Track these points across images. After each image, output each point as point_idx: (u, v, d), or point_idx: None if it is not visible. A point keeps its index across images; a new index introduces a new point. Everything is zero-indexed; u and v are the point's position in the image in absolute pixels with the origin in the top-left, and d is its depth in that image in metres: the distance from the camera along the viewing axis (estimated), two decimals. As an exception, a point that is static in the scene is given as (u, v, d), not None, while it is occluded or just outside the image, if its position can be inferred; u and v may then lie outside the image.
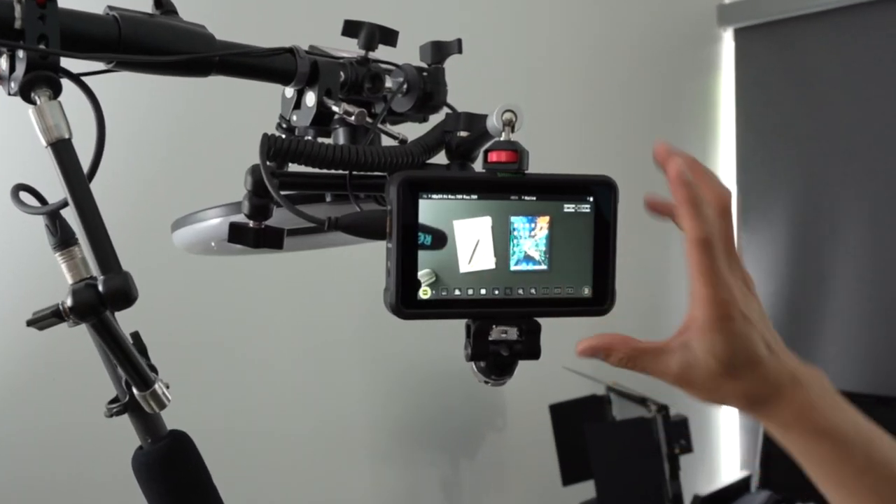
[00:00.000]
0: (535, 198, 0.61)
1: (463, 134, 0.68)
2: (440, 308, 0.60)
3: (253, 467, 1.75)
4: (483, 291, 0.61)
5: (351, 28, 0.75)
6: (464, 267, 0.60)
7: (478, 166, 0.65)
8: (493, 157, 0.61)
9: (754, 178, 2.92)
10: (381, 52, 0.77)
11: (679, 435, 2.08)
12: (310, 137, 0.75)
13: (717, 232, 0.57)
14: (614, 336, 0.61)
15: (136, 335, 0.67)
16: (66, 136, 0.58)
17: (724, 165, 2.98)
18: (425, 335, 1.99)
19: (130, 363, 0.62)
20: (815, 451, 0.59)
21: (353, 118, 0.70)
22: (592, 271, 0.63)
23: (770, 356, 0.58)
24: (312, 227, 0.65)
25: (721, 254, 0.58)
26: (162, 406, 0.64)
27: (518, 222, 0.61)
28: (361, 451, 1.99)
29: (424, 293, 0.60)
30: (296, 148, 0.63)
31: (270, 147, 0.62)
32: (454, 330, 0.65)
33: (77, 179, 0.57)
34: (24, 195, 0.67)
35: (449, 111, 0.75)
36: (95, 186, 0.59)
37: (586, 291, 0.63)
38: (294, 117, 0.76)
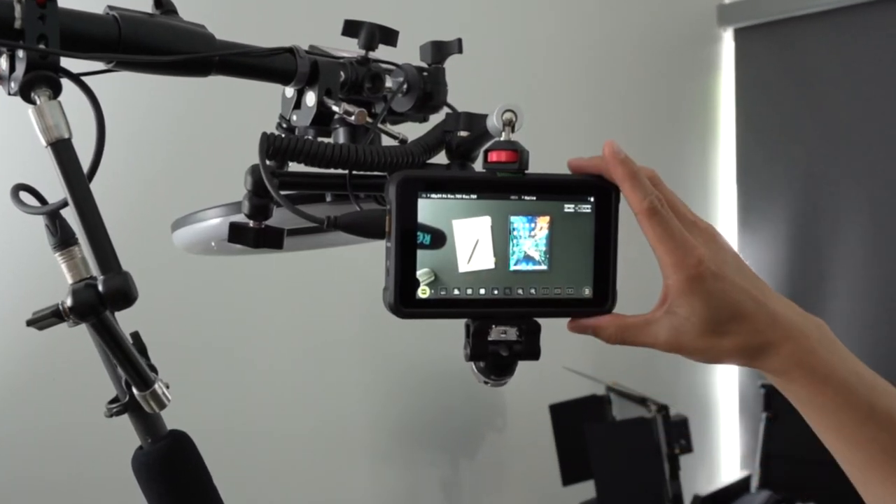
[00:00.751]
0: (535, 198, 0.61)
1: (463, 134, 0.68)
2: (439, 307, 0.60)
3: (253, 467, 1.75)
4: (482, 291, 0.61)
5: (351, 28, 0.75)
6: (463, 266, 0.60)
7: (478, 166, 0.65)
8: (492, 156, 0.61)
9: (754, 178, 2.92)
10: (382, 52, 0.77)
11: (679, 435, 2.09)
12: (310, 137, 0.75)
13: (659, 198, 0.59)
14: (599, 319, 0.62)
15: (136, 335, 0.67)
16: (66, 136, 0.58)
17: (724, 165, 2.98)
18: (425, 335, 1.99)
19: (130, 363, 0.62)
20: (817, 399, 0.58)
21: (353, 118, 0.70)
22: (593, 272, 0.63)
23: (757, 307, 0.58)
24: (312, 226, 0.65)
25: (671, 218, 0.58)
26: (162, 406, 0.64)
27: (518, 222, 0.61)
28: (361, 451, 1.99)
29: (423, 292, 0.60)
30: (295, 146, 0.63)
31: (269, 146, 0.62)
32: (454, 330, 0.65)
33: (77, 179, 0.57)
34: (24, 195, 0.67)
35: (449, 111, 0.75)
36: (95, 186, 0.59)
37: (587, 292, 0.63)
38: (294, 117, 0.76)
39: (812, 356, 0.58)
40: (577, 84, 2.48)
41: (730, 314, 0.58)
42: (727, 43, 2.97)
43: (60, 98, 0.59)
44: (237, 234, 0.66)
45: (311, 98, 0.73)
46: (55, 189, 0.60)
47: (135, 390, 0.63)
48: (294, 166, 0.68)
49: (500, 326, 0.61)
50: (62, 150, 0.57)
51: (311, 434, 1.86)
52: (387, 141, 0.74)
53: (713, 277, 0.57)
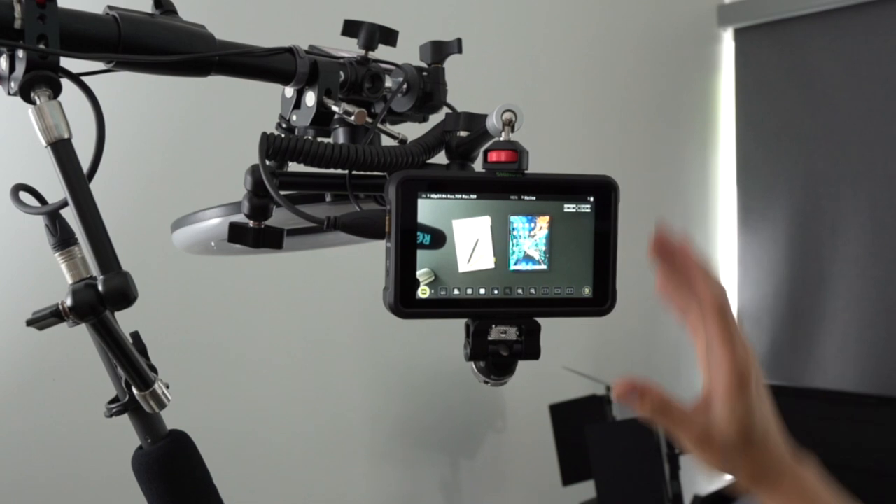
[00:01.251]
0: (534, 197, 0.61)
1: (463, 134, 0.68)
2: (439, 307, 0.60)
3: (253, 467, 1.75)
4: (482, 291, 0.61)
5: (351, 28, 0.75)
6: (463, 266, 0.60)
7: (478, 166, 0.65)
8: (492, 156, 0.61)
9: (754, 178, 2.92)
10: (381, 52, 0.77)
11: (679, 435, 2.08)
12: (310, 137, 0.76)
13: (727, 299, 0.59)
14: (650, 382, 0.60)
15: (136, 335, 0.67)
16: (66, 136, 0.58)
17: (724, 165, 2.98)
18: (425, 335, 1.99)
19: (130, 363, 0.62)
20: None
21: (353, 118, 0.70)
22: (593, 271, 0.63)
23: (777, 436, 0.60)
24: (312, 226, 0.65)
25: (734, 320, 0.59)
26: (162, 406, 0.64)
27: (518, 222, 0.61)
28: (361, 451, 1.99)
29: (423, 293, 0.60)
30: (295, 146, 0.63)
31: (269, 146, 0.62)
32: (454, 330, 0.65)
33: (77, 179, 0.57)
34: (24, 195, 0.67)
35: (449, 111, 0.75)
36: (95, 186, 0.59)
37: (587, 291, 0.63)
38: (294, 117, 0.76)
39: (814, 493, 0.61)
40: (577, 84, 2.48)
41: (762, 430, 0.59)
42: (727, 43, 2.97)
43: (60, 98, 0.59)
44: (237, 234, 0.66)
45: (310, 98, 0.73)
46: (55, 189, 0.60)
47: (135, 390, 0.63)
48: (294, 166, 0.68)
49: (500, 326, 0.61)
50: (62, 150, 0.57)
51: (311, 434, 1.86)
52: (387, 141, 0.74)
53: (757, 389, 0.59)
